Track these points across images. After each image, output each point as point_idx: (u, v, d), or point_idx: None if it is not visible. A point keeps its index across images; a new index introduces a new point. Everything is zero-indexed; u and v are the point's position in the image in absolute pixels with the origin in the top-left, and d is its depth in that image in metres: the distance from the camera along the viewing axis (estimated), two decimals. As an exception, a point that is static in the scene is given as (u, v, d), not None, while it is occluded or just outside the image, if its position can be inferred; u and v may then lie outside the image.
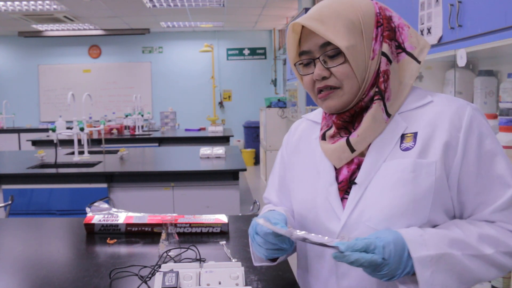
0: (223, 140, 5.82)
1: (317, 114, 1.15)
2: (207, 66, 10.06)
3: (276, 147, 6.70)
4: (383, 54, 0.98)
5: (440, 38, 2.17)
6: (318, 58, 0.99)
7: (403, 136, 0.97)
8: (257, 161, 9.20)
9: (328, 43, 0.97)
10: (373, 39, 0.98)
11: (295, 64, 1.05)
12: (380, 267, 0.85)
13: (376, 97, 0.98)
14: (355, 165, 0.99)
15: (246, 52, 10.30)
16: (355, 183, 0.97)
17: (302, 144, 1.14)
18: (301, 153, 1.13)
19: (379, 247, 0.85)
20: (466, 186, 0.94)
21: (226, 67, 10.29)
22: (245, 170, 3.30)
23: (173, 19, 8.71)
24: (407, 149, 0.95)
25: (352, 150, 0.99)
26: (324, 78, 0.99)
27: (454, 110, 0.96)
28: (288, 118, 6.61)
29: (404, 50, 1.00)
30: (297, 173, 1.12)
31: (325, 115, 1.09)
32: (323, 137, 1.06)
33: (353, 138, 0.98)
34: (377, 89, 0.98)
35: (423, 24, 2.35)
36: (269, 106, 6.88)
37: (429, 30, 2.27)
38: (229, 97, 10.31)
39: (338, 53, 0.96)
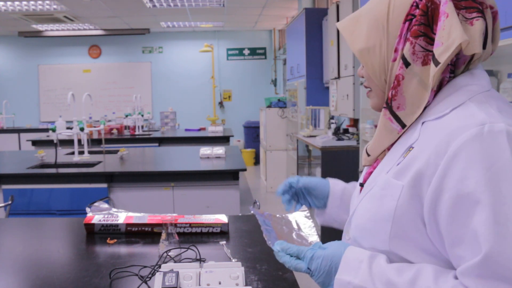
0: (223, 140, 5.82)
1: None
2: (207, 66, 10.06)
3: (276, 147, 6.69)
4: (402, 56, 0.84)
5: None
6: None
7: (408, 149, 0.84)
8: (257, 161, 9.20)
9: None
10: (397, 36, 0.85)
11: None
12: (310, 275, 0.88)
13: (383, 105, 0.89)
14: (373, 169, 0.95)
15: (246, 52, 10.31)
16: (362, 186, 0.96)
17: None
18: None
19: (307, 257, 0.88)
20: (442, 229, 0.75)
21: (226, 67, 10.30)
22: (245, 170, 3.30)
23: (173, 19, 8.71)
24: (399, 163, 0.84)
25: (368, 154, 0.96)
26: (363, 77, 0.96)
27: (450, 131, 0.76)
28: (288, 118, 6.60)
29: (428, 51, 0.83)
30: None
31: None
32: None
33: (369, 146, 0.96)
34: (389, 95, 0.87)
35: (423, 24, 2.35)
36: (269, 106, 6.88)
37: (429, 30, 2.27)
38: (229, 97, 10.31)
39: None
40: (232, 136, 6.04)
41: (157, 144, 5.78)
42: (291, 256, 0.90)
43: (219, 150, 3.83)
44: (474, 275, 0.71)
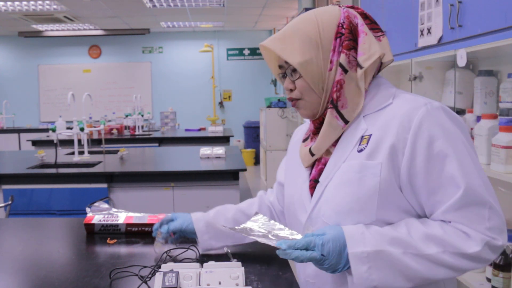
0: (223, 140, 5.82)
1: None
2: (207, 66, 10.06)
3: (276, 147, 6.69)
4: (340, 64, 1.03)
5: (440, 38, 2.17)
6: (285, 73, 1.10)
7: (362, 138, 1.02)
8: (257, 161, 9.20)
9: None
10: (331, 50, 1.04)
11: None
12: (321, 262, 0.94)
13: (329, 106, 1.05)
14: (322, 165, 1.08)
15: (246, 52, 10.31)
16: (318, 181, 1.08)
17: (295, 146, 1.25)
18: (293, 153, 1.25)
19: (318, 245, 0.95)
20: (418, 187, 0.97)
21: (226, 67, 10.30)
22: (245, 170, 3.30)
23: (173, 19, 8.71)
24: (361, 150, 1.01)
25: (312, 154, 1.09)
26: (291, 90, 1.09)
27: (405, 111, 0.99)
28: (288, 118, 6.60)
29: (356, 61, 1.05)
30: (287, 173, 1.26)
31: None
32: (305, 140, 1.17)
33: (313, 144, 1.09)
34: (331, 98, 1.05)
35: (423, 24, 2.34)
36: (269, 106, 6.88)
37: (429, 30, 2.27)
38: (229, 97, 10.31)
39: (296, 68, 1.05)
40: (232, 136, 6.04)
41: (157, 144, 5.78)
42: (300, 250, 0.95)
43: (219, 150, 3.83)
44: (454, 209, 0.94)
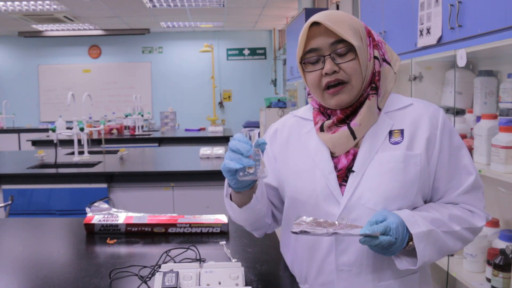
0: (223, 140, 5.82)
1: (306, 111, 1.26)
2: (207, 66, 10.06)
3: (276, 147, 6.69)
4: (376, 58, 1.14)
5: (440, 38, 2.17)
6: (329, 55, 1.09)
7: (391, 132, 1.13)
8: (257, 161, 9.19)
9: (338, 42, 1.08)
10: (368, 45, 1.13)
11: (301, 62, 1.14)
12: (390, 245, 1.00)
13: (372, 92, 1.13)
14: (352, 155, 1.12)
15: (246, 52, 10.31)
16: (353, 171, 1.10)
17: (292, 138, 1.23)
18: (292, 146, 1.22)
19: (393, 229, 1.00)
20: (441, 174, 1.12)
21: (226, 67, 10.30)
22: (245, 170, 3.29)
23: (173, 19, 8.71)
24: (396, 143, 1.11)
25: (355, 137, 1.11)
26: (334, 72, 1.09)
27: (431, 112, 1.14)
28: (288, 118, 6.60)
29: (385, 60, 1.16)
30: (291, 164, 1.20)
31: (318, 111, 1.19)
32: (321, 129, 1.16)
33: (355, 126, 1.11)
34: (373, 85, 1.13)
35: (422, 24, 2.34)
36: (269, 106, 6.88)
37: (428, 30, 2.27)
38: (229, 97, 10.31)
39: (348, 50, 1.09)
40: (232, 136, 6.04)
41: (157, 144, 5.77)
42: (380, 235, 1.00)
43: (219, 150, 3.83)
44: (464, 193, 1.12)
